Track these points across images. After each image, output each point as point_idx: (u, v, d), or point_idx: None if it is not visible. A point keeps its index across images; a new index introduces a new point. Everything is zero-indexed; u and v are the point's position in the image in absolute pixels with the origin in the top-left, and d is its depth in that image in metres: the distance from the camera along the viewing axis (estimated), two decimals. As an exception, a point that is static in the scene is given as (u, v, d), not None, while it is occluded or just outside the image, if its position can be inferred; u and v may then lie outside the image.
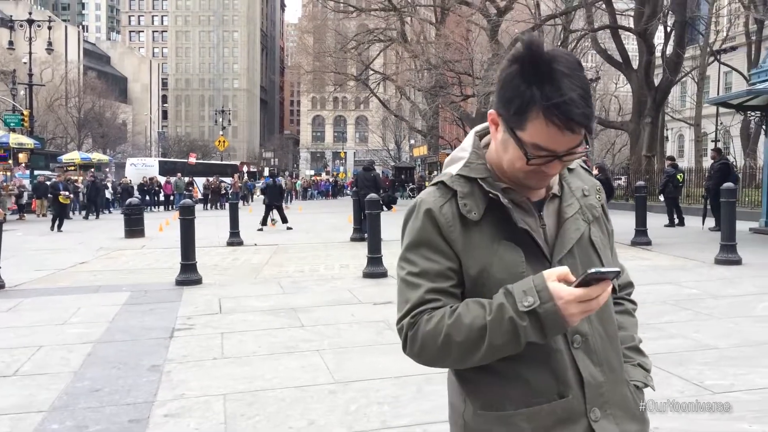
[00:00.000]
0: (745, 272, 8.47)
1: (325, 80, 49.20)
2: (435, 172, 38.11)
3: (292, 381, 4.54)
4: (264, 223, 17.89)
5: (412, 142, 64.61)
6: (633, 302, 1.59)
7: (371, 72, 46.09)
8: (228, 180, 41.85)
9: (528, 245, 1.31)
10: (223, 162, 59.63)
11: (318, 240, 14.75)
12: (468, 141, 1.41)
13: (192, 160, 50.01)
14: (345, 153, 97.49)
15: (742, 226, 14.04)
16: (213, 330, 6.11)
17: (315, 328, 6.09)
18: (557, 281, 1.19)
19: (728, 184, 9.31)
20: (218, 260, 11.31)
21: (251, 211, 26.21)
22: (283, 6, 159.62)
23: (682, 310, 6.47)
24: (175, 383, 4.54)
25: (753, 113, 12.72)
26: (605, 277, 1.19)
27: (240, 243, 13.67)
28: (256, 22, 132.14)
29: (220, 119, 67.82)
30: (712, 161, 14.77)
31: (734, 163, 17.20)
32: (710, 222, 14.04)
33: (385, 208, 26.06)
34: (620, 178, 33.51)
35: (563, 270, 1.22)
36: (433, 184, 1.38)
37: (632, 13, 29.11)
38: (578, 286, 1.17)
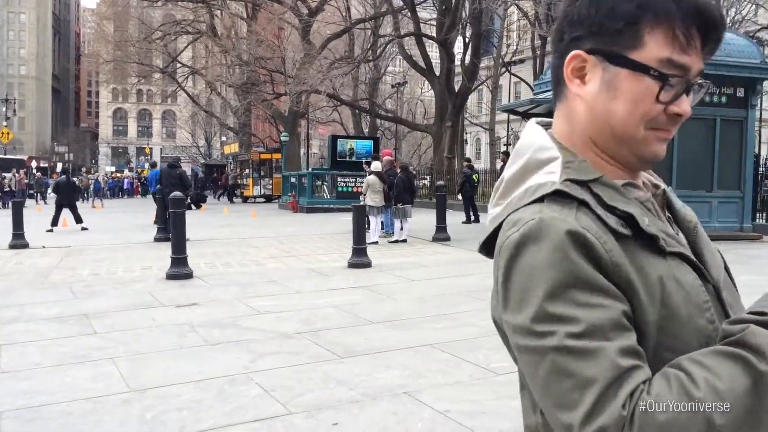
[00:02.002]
0: (529, 264, 9.38)
1: (127, 71, 46.23)
2: (247, 170, 37.42)
3: (82, 393, 4.20)
4: (54, 223, 16.36)
5: (224, 139, 62.94)
6: None
7: (179, 65, 44.13)
8: (10, 176, 37.65)
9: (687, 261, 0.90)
10: (7, 156, 53.62)
11: (118, 241, 13.82)
12: (540, 135, 0.96)
13: (-33, 153, 44.39)
14: (150, 149, 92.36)
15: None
16: (-12, 343, 5.47)
17: (110, 335, 5.69)
18: None
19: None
20: (-2, 265, 10.14)
21: (40, 210, 23.87)
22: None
23: (475, 300, 6.97)
24: (-62, 405, 4.00)
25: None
26: None
27: (25, 245, 12.35)
28: (47, 4, 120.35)
29: (4, 109, 60.86)
30: (502, 164, 16.19)
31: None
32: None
33: (193, 206, 25.13)
34: (425, 178, 35.46)
35: None
36: (534, 201, 0.88)
37: (435, 23, 30.92)
38: None
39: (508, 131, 52.02)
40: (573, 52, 0.91)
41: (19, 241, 12.37)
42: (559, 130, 0.96)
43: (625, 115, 0.88)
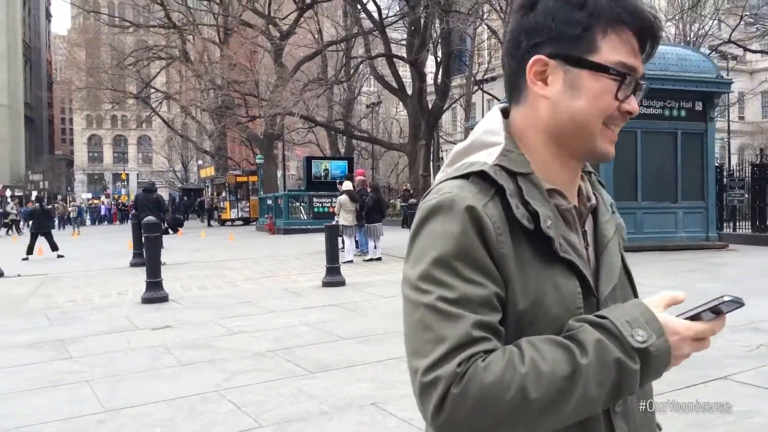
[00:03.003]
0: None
1: (100, 97, 46.11)
2: (223, 193, 37.41)
3: (56, 415, 4.29)
4: (30, 252, 16.29)
5: (200, 162, 62.78)
6: None
7: (152, 90, 44.14)
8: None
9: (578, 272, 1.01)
10: (-20, 186, 53.00)
11: (94, 267, 13.82)
12: (495, 120, 1.06)
13: (-61, 184, 43.89)
14: (127, 174, 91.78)
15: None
16: (-38, 371, 5.52)
17: (85, 359, 5.78)
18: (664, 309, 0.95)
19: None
20: (-29, 295, 10.12)
21: (16, 240, 23.66)
22: (48, 16, 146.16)
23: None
24: None
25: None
26: (724, 311, 0.93)
27: (0, 274, 12.34)
28: (17, 32, 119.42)
29: (-25, 138, 60.20)
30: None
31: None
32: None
33: (170, 231, 25.09)
34: (403, 195, 35.74)
35: (673, 295, 0.96)
36: (459, 176, 0.99)
37: (405, 43, 31.37)
38: (692, 318, 0.93)
39: (483, 148, 52.42)
40: (534, 57, 1.00)
41: (-7, 270, 12.34)
42: (515, 125, 1.05)
43: (588, 109, 0.98)
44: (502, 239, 0.93)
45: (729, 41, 32.09)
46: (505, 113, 1.08)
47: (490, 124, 1.05)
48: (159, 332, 6.85)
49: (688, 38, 41.32)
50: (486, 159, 0.99)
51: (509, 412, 0.85)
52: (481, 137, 1.04)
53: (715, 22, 39.67)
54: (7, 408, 4.47)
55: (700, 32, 40.44)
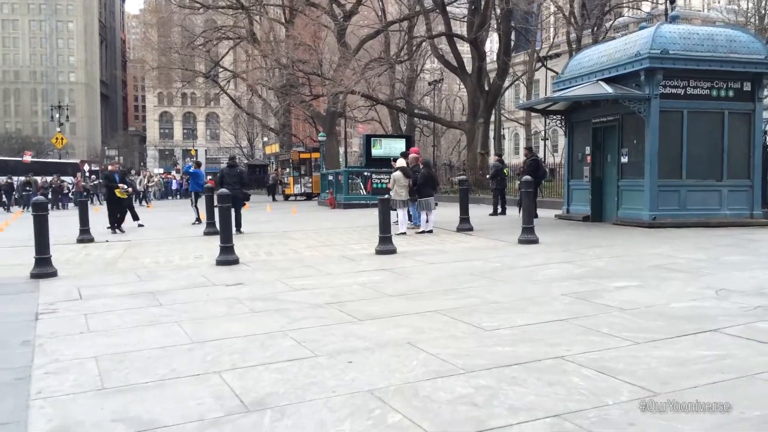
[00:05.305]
0: (539, 249, 10.30)
1: (172, 76, 48.32)
2: (288, 170, 38.87)
3: (156, 344, 5.36)
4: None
5: (265, 139, 64.73)
6: None
7: (221, 69, 45.90)
8: (69, 179, 40.08)
9: None
10: (62, 160, 56.37)
11: (172, 235, 15.18)
12: None
13: (27, 158, 47.12)
14: (196, 150, 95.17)
15: (551, 213, 16.35)
16: (76, 312, 6.72)
17: (173, 306, 6.89)
18: None
19: (526, 178, 11.14)
20: (70, 256, 11.54)
21: (97, 210, 25.58)
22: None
23: (483, 278, 7.97)
24: (49, 352, 5.21)
25: (555, 117, 14.88)
26: None
27: (91, 240, 13.83)
28: (94, 12, 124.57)
29: (57, 115, 63.77)
30: (525, 158, 17.06)
31: (543, 160, 19.65)
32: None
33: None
34: (464, 174, 36.33)
35: None
36: None
37: (466, 21, 31.70)
38: None
39: (545, 125, 52.20)
40: None
41: (85, 236, 13.85)
42: None
43: None
44: None
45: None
46: None
47: None
48: (232, 288, 7.93)
49: (763, 11, 39.92)
50: None
51: None
52: None
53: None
54: (121, 339, 5.59)
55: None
